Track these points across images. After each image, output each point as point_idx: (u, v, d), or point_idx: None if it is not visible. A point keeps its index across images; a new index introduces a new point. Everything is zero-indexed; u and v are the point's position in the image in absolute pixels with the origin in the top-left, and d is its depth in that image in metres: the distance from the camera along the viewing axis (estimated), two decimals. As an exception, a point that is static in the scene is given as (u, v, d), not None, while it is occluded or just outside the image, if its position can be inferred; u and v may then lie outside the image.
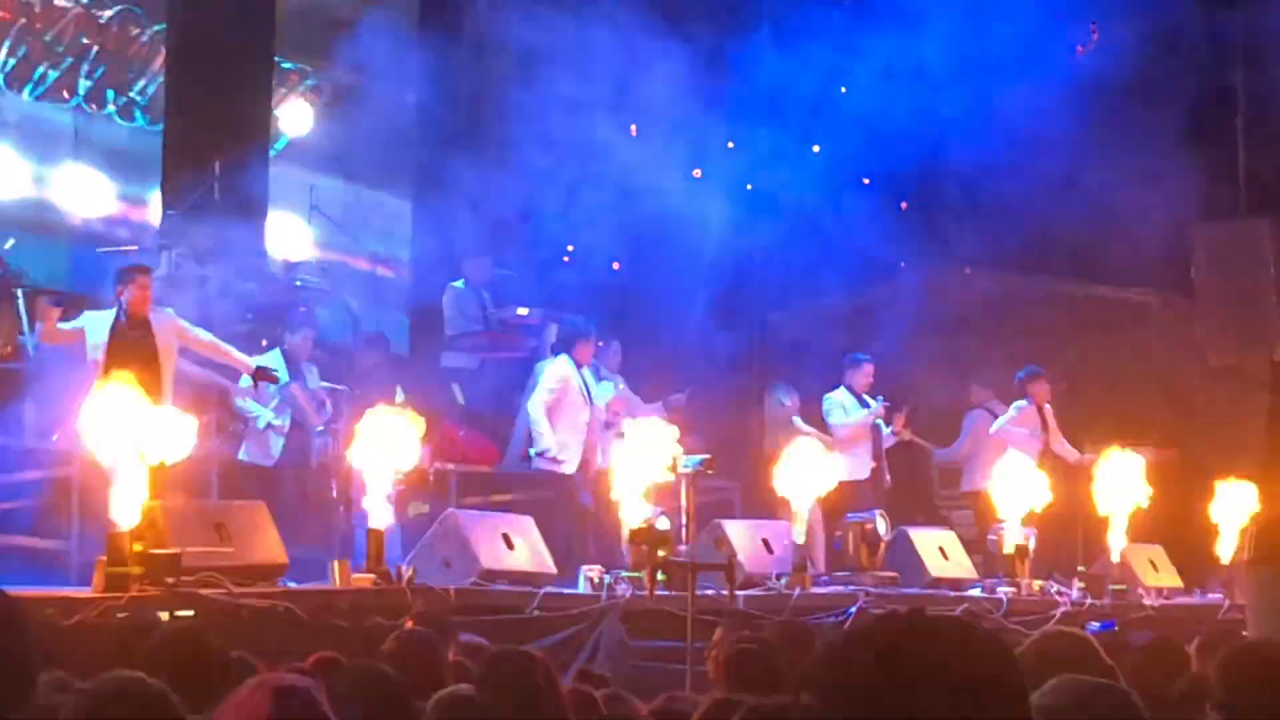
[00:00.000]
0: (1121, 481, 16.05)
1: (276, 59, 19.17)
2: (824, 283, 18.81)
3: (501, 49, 18.33)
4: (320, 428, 14.62)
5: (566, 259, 18.50)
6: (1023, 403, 17.20)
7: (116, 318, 12.70)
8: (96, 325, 12.73)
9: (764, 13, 19.20)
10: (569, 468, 14.96)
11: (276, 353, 14.67)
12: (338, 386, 15.19)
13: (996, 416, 17.70)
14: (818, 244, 18.24)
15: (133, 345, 12.45)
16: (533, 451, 15.07)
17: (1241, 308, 19.69)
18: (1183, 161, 17.66)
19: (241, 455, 14.61)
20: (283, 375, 14.36)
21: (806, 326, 18.98)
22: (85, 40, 18.14)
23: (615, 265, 18.66)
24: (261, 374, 13.45)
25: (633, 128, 18.07)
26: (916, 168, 18.67)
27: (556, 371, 15.17)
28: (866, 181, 19.04)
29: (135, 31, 18.41)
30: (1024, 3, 17.95)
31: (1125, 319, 20.06)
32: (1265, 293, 19.64)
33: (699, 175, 18.27)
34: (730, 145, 18.65)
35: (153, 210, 18.11)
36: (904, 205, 19.31)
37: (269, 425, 14.52)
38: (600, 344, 15.84)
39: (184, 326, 12.89)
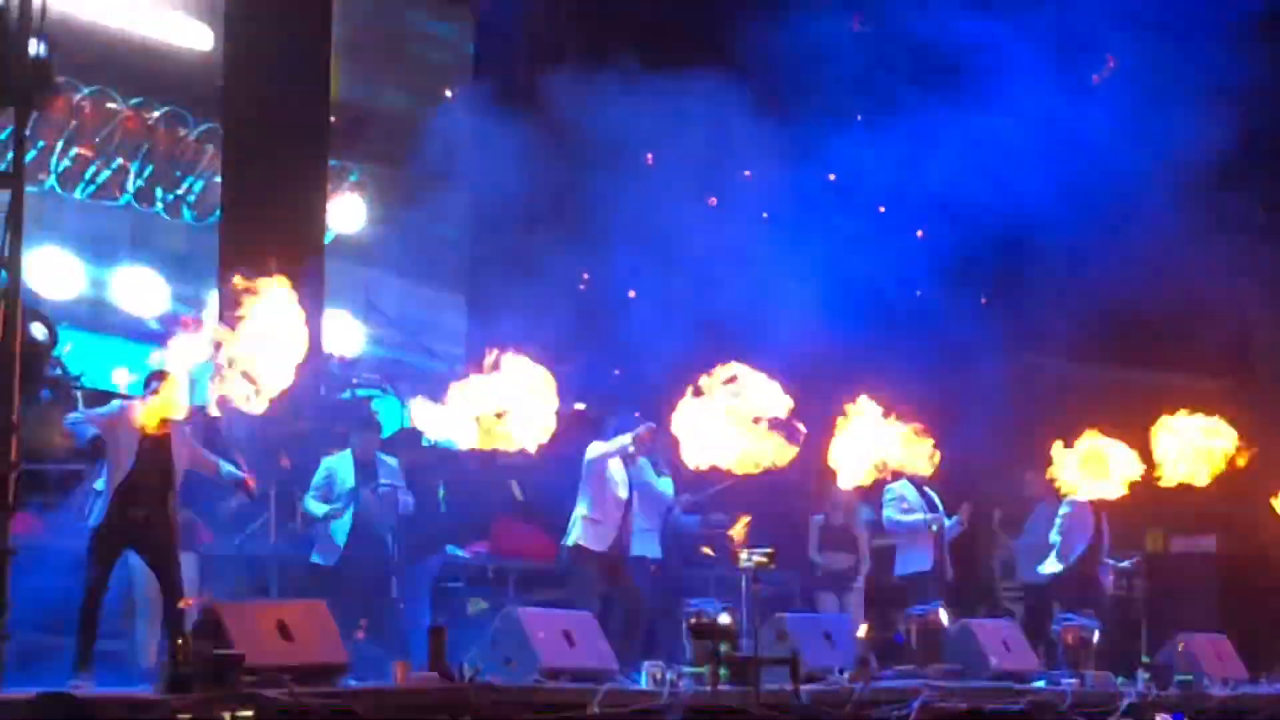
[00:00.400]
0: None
1: (331, 160, 19.31)
2: (899, 370, 18.68)
3: (560, 141, 18.36)
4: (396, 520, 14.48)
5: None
6: (1075, 498, 16.86)
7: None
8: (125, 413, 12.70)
9: (843, 95, 19.07)
10: (600, 544, 14.72)
11: (348, 454, 14.60)
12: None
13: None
14: (895, 331, 18.12)
15: (152, 448, 12.45)
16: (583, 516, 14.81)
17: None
18: (1250, 251, 17.60)
19: (314, 558, 14.50)
20: (350, 479, 14.32)
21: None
22: (134, 140, 18.28)
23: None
24: (243, 489, 13.30)
25: (711, 200, 18.04)
26: (996, 256, 18.55)
27: (601, 446, 14.99)
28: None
29: (182, 131, 18.57)
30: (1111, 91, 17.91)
31: (1192, 407, 19.94)
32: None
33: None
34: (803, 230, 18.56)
35: (210, 311, 18.17)
36: (984, 300, 19.21)
37: (332, 525, 14.45)
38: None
39: (189, 438, 12.85)
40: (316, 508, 14.47)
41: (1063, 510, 16.87)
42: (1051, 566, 16.70)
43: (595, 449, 14.71)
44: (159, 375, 12.48)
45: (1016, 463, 18.37)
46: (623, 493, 14.70)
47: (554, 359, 17.64)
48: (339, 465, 14.51)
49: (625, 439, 14.59)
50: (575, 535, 14.58)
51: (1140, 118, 18.19)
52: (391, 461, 14.69)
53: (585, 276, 17.90)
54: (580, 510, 14.66)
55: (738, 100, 17.52)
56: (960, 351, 18.81)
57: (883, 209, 18.55)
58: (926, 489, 16.48)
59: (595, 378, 17.88)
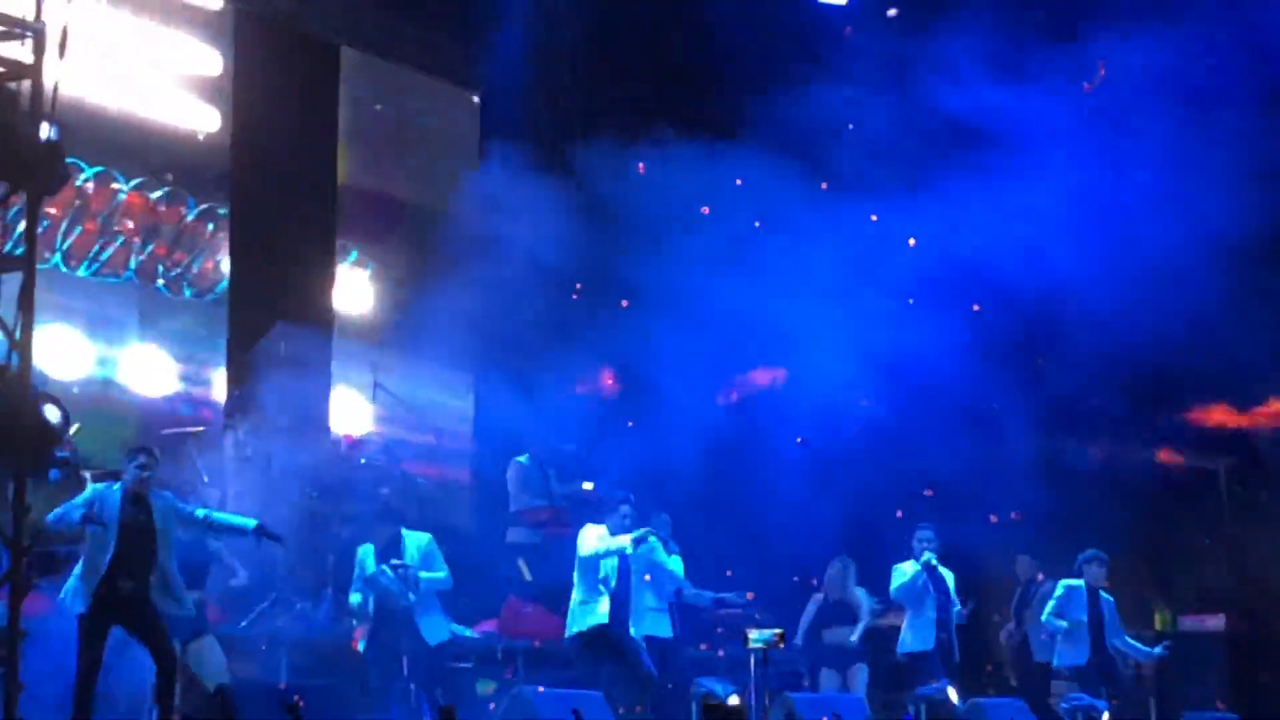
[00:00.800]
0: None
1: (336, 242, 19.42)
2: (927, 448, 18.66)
3: (573, 218, 18.41)
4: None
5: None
6: (1075, 583, 16.71)
7: (120, 496, 12.63)
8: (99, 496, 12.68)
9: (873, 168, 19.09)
10: (597, 619, 14.70)
11: (369, 548, 14.54)
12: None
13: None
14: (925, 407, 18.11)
15: (135, 521, 12.45)
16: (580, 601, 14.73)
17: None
18: (1242, 332, 17.63)
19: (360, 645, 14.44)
20: (370, 565, 14.31)
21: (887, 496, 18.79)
22: (136, 219, 18.34)
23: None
24: (262, 532, 13.26)
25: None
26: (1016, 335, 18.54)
27: (596, 531, 14.96)
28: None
29: (183, 210, 18.62)
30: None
31: (1194, 487, 20.00)
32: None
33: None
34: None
35: (218, 389, 18.23)
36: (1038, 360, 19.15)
37: (355, 608, 14.40)
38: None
39: (179, 507, 12.84)
40: (353, 598, 14.45)
41: (1058, 593, 16.71)
42: (1063, 648, 16.55)
43: (590, 543, 14.71)
44: (144, 450, 12.54)
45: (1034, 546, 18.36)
46: (612, 575, 14.67)
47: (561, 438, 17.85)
48: (364, 554, 14.48)
49: (625, 540, 14.58)
50: (572, 621, 14.60)
51: (1176, 194, 18.18)
52: (421, 539, 14.63)
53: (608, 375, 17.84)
54: (576, 597, 14.66)
55: (765, 173, 17.60)
56: (989, 429, 18.76)
57: (911, 300, 18.45)
58: (940, 570, 16.39)
59: (603, 457, 17.91)
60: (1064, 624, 16.33)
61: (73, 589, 12.37)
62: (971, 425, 18.54)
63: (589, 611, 14.59)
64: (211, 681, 13.03)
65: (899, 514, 17.75)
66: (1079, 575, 16.71)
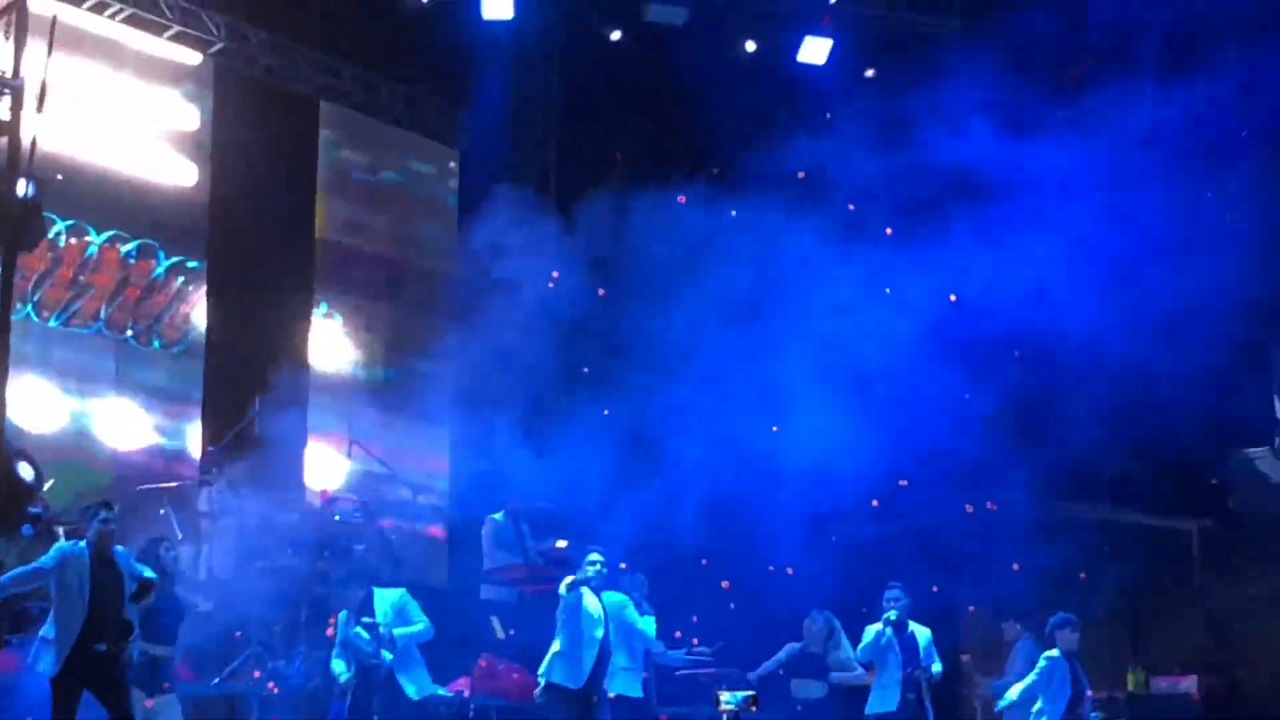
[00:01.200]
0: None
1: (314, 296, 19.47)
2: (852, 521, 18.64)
3: (553, 273, 18.44)
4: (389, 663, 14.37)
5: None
6: (1053, 654, 16.57)
7: (89, 556, 12.55)
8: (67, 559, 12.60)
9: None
10: (574, 681, 14.64)
11: (345, 613, 14.49)
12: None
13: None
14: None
15: (103, 586, 12.40)
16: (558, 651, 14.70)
17: (1280, 532, 19.69)
18: (1219, 392, 17.69)
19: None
20: (344, 628, 14.28)
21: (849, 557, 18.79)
22: (107, 271, 18.31)
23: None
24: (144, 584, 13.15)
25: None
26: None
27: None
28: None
29: (153, 263, 18.59)
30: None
31: (1166, 547, 20.05)
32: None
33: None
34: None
35: (192, 444, 18.22)
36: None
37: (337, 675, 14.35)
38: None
39: (133, 565, 12.79)
40: (335, 665, 14.39)
41: (1041, 665, 16.51)
42: None
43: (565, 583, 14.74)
44: (105, 504, 12.52)
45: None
46: (598, 631, 14.64)
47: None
48: (341, 619, 14.43)
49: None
50: (547, 670, 14.55)
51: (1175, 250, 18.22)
52: (392, 595, 14.60)
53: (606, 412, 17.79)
54: (555, 646, 14.64)
55: (752, 224, 17.65)
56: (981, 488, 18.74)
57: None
58: (911, 629, 16.30)
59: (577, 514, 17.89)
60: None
61: (40, 651, 12.31)
62: (959, 482, 18.56)
63: (562, 664, 14.56)
64: None
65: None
66: (1051, 643, 16.51)
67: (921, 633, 16.25)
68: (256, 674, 15.44)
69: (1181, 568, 20.14)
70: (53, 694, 12.07)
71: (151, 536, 13.98)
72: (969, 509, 19.11)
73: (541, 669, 14.60)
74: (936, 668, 16.22)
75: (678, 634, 16.90)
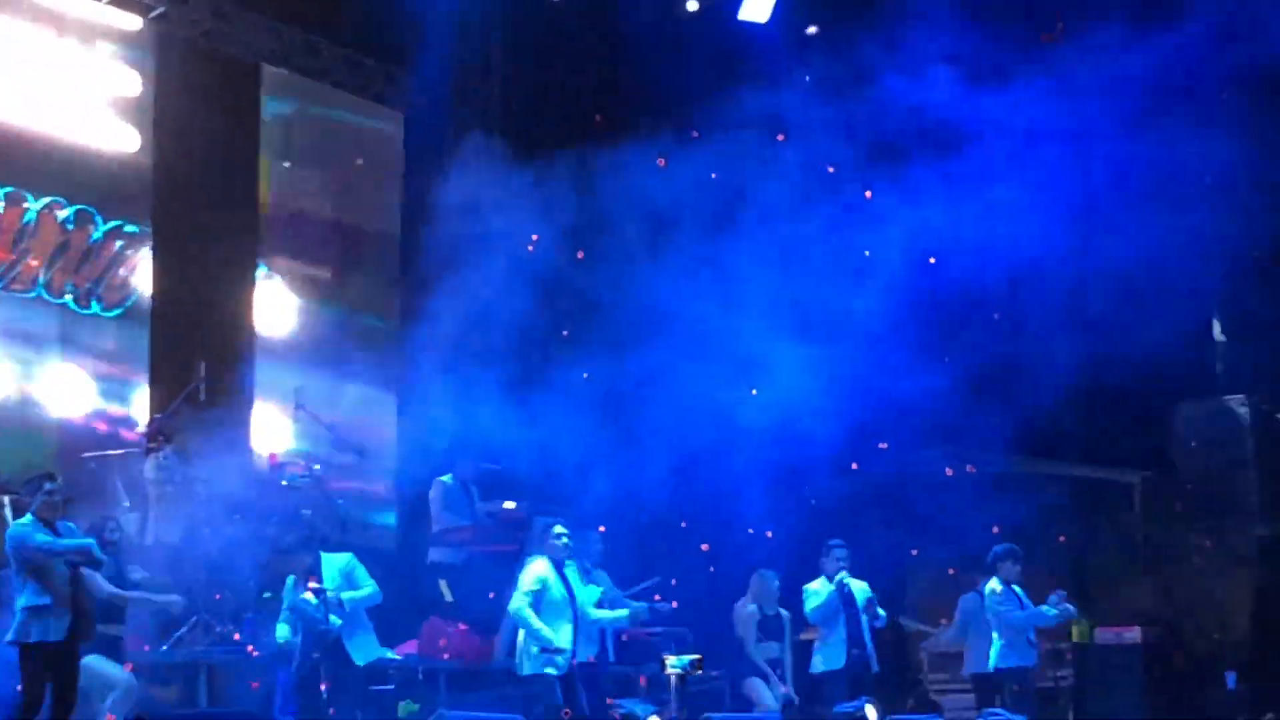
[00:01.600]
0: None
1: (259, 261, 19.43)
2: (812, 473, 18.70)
3: (499, 236, 18.43)
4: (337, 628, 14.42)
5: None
6: (995, 585, 16.75)
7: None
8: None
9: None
10: (555, 669, 14.76)
11: (292, 579, 14.55)
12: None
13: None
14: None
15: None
16: (534, 649, 14.72)
17: (1222, 483, 19.84)
18: (1163, 344, 17.79)
19: None
20: (291, 594, 14.35)
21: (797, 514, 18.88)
22: (45, 236, 18.25)
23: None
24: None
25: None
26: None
27: (534, 571, 14.96)
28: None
29: (91, 229, 18.53)
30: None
31: (1109, 499, 20.19)
32: (1244, 467, 19.81)
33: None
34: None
35: (139, 410, 18.20)
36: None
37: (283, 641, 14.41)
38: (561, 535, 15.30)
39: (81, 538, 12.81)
40: (280, 630, 14.43)
41: (995, 588, 16.66)
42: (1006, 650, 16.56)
43: (516, 601, 14.78)
44: (48, 476, 12.52)
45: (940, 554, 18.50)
46: (567, 613, 14.68)
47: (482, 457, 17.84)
48: (289, 585, 14.49)
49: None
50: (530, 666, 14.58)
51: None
52: (340, 560, 14.66)
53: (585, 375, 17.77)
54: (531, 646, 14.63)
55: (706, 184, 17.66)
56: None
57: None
58: (850, 586, 16.44)
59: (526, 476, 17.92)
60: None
61: (24, 624, 12.26)
62: (921, 441, 18.63)
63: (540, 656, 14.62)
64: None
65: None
66: (991, 572, 16.68)
67: (859, 587, 16.39)
68: (239, 637, 15.42)
69: (1125, 520, 20.29)
70: (32, 666, 12.11)
71: (99, 514, 14.02)
72: (949, 471, 19.19)
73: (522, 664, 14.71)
74: (878, 622, 16.41)
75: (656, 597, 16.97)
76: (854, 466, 18.60)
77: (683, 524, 18.21)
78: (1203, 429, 20.04)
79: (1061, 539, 19.48)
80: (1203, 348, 20.02)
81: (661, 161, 17.87)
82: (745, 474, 17.70)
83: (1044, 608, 16.30)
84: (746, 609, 17.02)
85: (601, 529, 16.44)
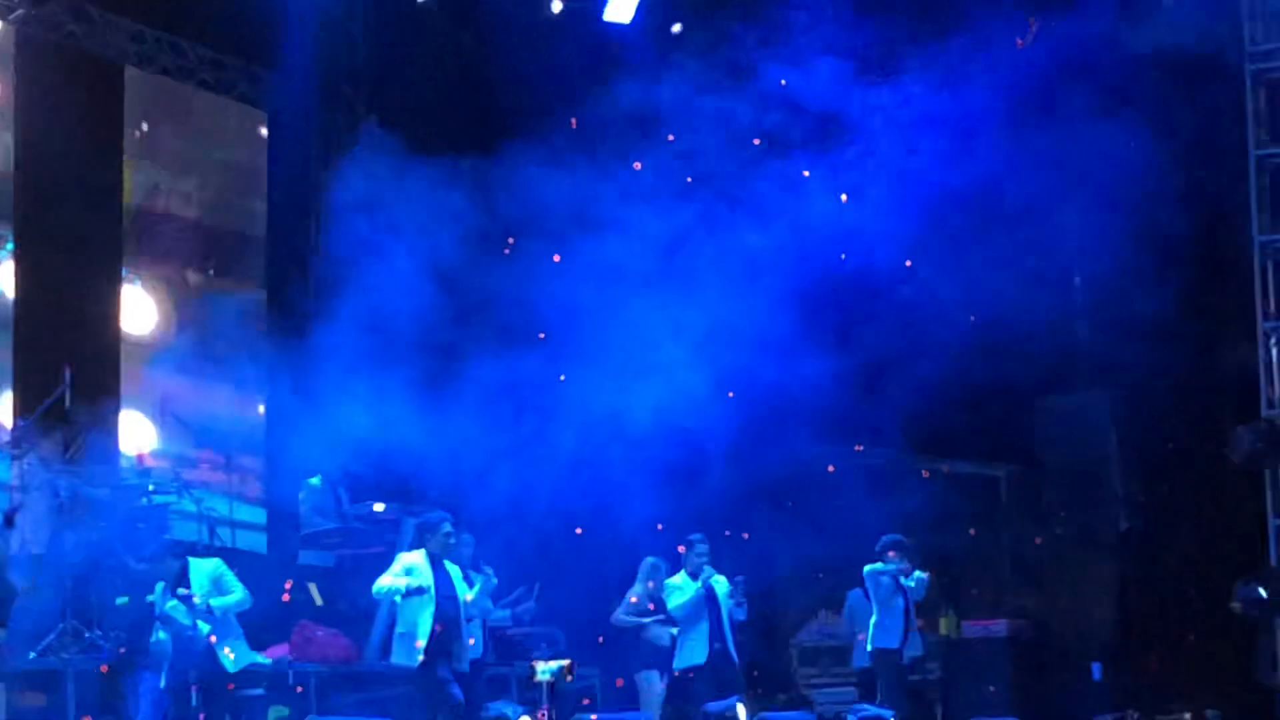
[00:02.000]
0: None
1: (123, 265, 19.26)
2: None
3: (367, 235, 18.38)
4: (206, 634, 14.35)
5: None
6: (877, 567, 16.94)
7: None
8: None
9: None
10: (416, 660, 14.75)
11: (161, 585, 14.45)
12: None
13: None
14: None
15: None
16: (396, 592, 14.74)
17: (1085, 477, 20.08)
18: (1031, 338, 17.97)
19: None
20: (160, 602, 14.26)
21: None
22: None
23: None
24: None
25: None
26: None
27: (404, 560, 14.98)
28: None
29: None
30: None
31: (975, 493, 20.38)
32: (1106, 461, 20.06)
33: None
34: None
35: (2, 415, 18.02)
36: None
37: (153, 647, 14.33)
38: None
39: None
40: (153, 636, 14.36)
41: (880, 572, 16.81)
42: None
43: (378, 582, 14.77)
44: None
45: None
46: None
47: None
48: (158, 591, 14.40)
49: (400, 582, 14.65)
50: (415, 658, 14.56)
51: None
52: (208, 565, 14.60)
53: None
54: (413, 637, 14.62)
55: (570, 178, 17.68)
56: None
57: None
58: (711, 581, 16.43)
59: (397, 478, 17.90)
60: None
61: None
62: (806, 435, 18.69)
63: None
64: None
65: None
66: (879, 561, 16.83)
67: (719, 582, 16.44)
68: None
69: (991, 513, 20.50)
70: None
71: None
72: (831, 469, 19.29)
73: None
74: (739, 614, 16.46)
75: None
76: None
77: (578, 531, 18.22)
78: (1066, 423, 20.27)
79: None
80: (1067, 342, 20.21)
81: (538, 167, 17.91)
82: (635, 473, 17.76)
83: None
84: (634, 592, 17.10)
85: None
